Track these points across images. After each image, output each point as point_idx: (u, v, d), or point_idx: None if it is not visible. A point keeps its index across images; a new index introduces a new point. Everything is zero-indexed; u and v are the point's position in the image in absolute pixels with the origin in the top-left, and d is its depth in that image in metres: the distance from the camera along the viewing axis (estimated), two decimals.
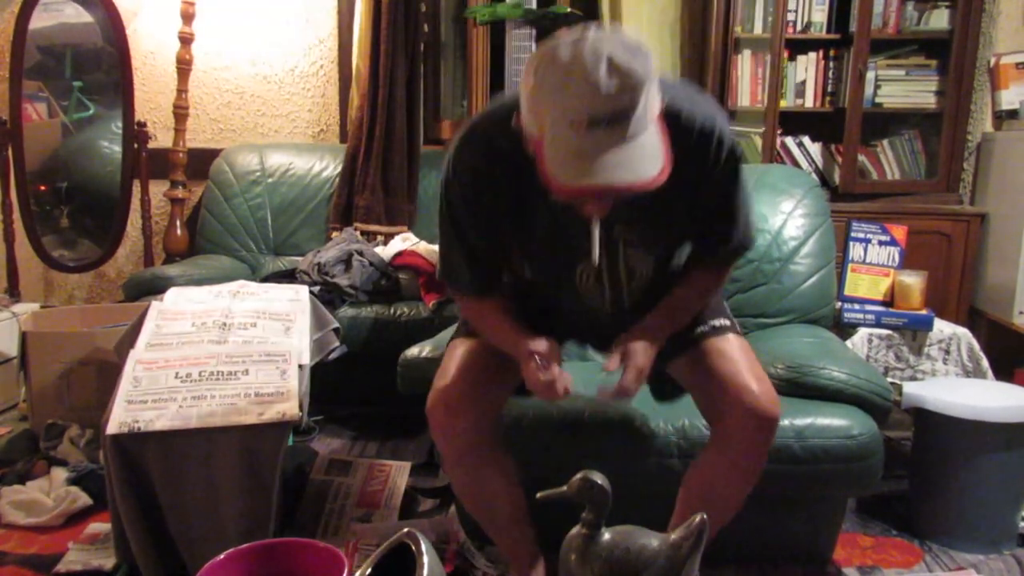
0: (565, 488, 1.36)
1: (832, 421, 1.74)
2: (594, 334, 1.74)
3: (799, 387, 1.81)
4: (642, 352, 1.46)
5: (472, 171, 1.41)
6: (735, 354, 1.55)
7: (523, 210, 1.43)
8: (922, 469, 2.13)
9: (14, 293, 3.25)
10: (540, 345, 1.45)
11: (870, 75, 3.12)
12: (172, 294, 2.17)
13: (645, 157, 1.17)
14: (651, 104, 1.18)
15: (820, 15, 3.16)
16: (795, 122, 3.25)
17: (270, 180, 3.26)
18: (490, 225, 1.46)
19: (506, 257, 1.54)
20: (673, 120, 1.28)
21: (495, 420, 1.61)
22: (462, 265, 1.53)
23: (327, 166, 3.28)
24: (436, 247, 2.92)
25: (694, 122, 1.33)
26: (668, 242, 1.53)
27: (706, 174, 1.38)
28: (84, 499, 2.13)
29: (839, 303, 2.46)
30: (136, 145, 3.38)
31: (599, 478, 1.35)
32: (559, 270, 1.52)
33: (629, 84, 1.12)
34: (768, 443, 1.51)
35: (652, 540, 1.35)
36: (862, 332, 2.40)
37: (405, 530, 1.35)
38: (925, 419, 2.09)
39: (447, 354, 1.64)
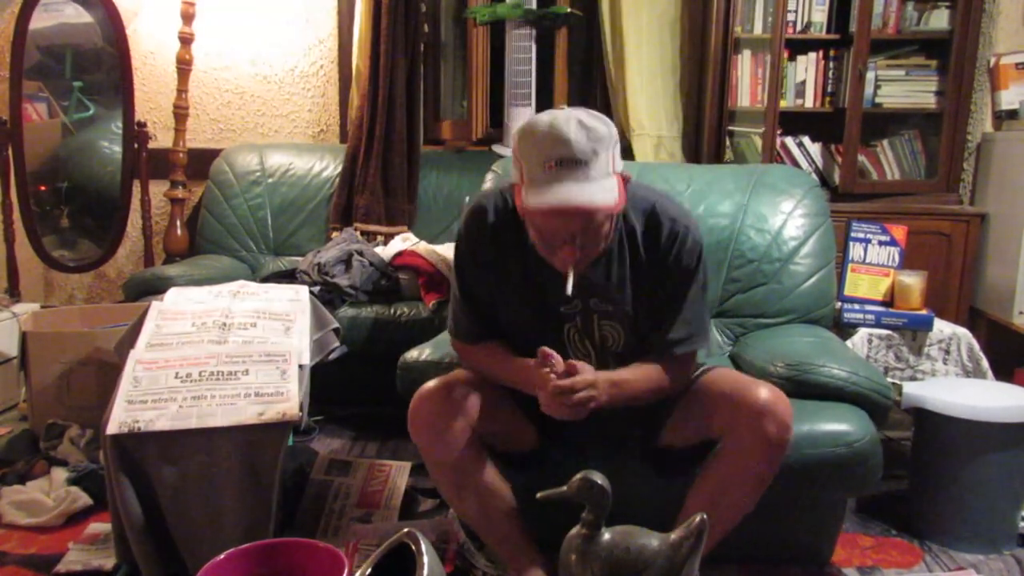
0: (565, 488, 1.37)
1: (829, 427, 1.72)
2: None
3: (799, 385, 1.81)
4: (591, 372, 1.50)
5: (478, 234, 1.62)
6: (735, 373, 1.66)
7: (519, 272, 1.61)
8: (922, 469, 2.13)
9: (14, 293, 3.25)
10: (547, 348, 1.49)
11: (870, 75, 3.12)
12: (172, 294, 2.17)
13: (602, 192, 1.41)
14: (613, 160, 1.44)
15: (820, 15, 3.16)
16: (795, 122, 3.25)
17: (270, 180, 3.26)
18: (492, 282, 1.63)
19: (507, 310, 1.65)
20: (648, 209, 1.58)
21: (477, 431, 1.61)
22: (468, 317, 1.67)
23: (327, 166, 3.28)
24: (436, 247, 2.94)
25: (667, 213, 1.59)
26: (636, 319, 1.63)
27: (670, 264, 1.58)
28: (84, 499, 2.13)
29: (839, 303, 2.46)
30: (136, 145, 3.38)
31: (599, 478, 1.35)
32: (549, 327, 1.64)
33: (592, 136, 1.40)
34: (782, 446, 1.53)
35: (652, 540, 1.35)
36: (862, 332, 2.40)
37: (405, 530, 1.35)
38: (925, 419, 2.09)
39: None
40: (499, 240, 1.61)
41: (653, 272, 1.59)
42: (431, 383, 1.61)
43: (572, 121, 1.41)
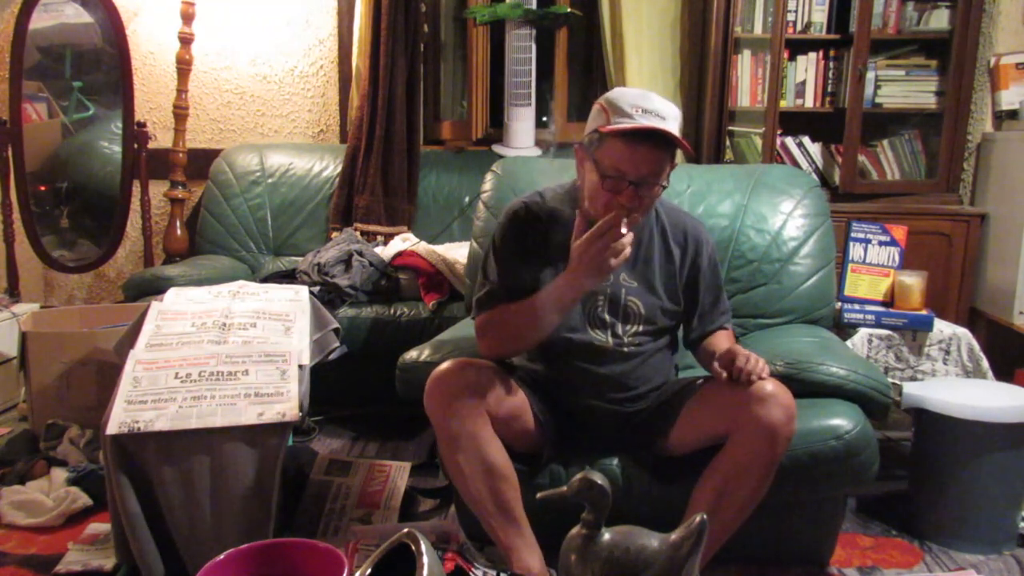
0: (565, 488, 1.37)
1: (820, 422, 1.73)
2: (598, 390, 1.78)
3: (798, 383, 1.80)
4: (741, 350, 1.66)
5: (518, 228, 1.77)
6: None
7: (556, 255, 1.71)
8: (922, 469, 2.13)
9: (14, 293, 3.25)
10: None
11: (870, 75, 3.12)
12: (172, 294, 2.17)
13: (675, 131, 1.60)
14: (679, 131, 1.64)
15: (820, 15, 3.16)
16: (795, 122, 3.25)
17: (270, 180, 3.26)
18: (532, 266, 1.74)
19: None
20: (677, 213, 1.88)
21: (488, 412, 1.64)
22: (500, 285, 1.75)
23: (327, 166, 3.28)
24: (436, 247, 2.94)
25: (692, 220, 1.89)
26: (655, 297, 1.79)
27: (703, 264, 1.83)
28: (84, 499, 2.13)
29: (839, 303, 2.46)
30: (136, 145, 3.38)
31: (599, 478, 1.35)
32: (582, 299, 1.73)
33: (668, 104, 1.63)
34: (787, 433, 1.57)
35: (652, 540, 1.35)
36: (862, 332, 2.40)
37: (405, 530, 1.35)
38: (925, 419, 2.09)
39: None
40: (538, 229, 1.75)
41: (684, 269, 1.82)
42: (447, 362, 1.66)
43: (654, 93, 1.66)
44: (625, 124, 1.56)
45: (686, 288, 1.83)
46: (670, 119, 1.59)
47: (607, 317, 1.76)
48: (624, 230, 1.50)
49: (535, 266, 1.73)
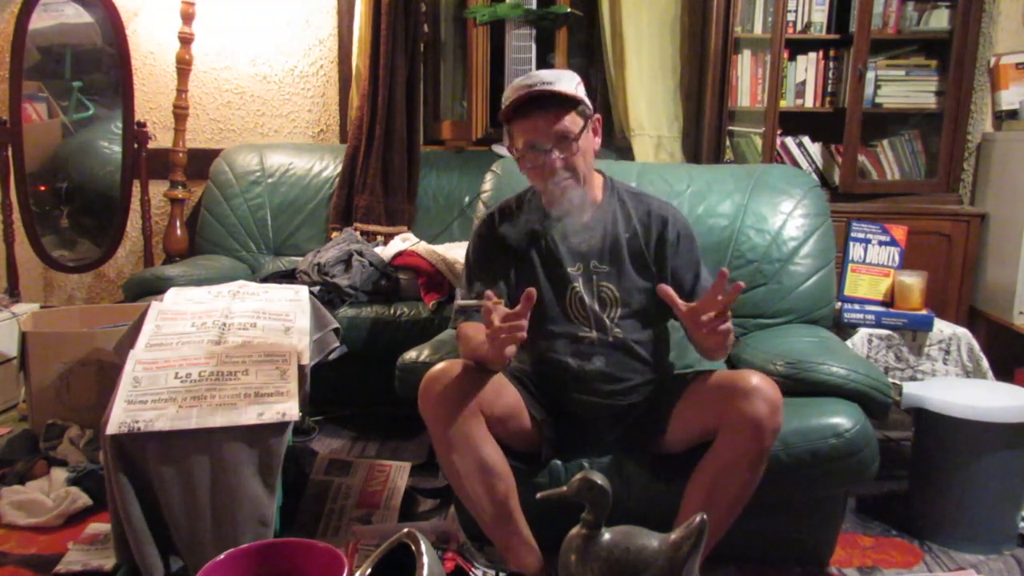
0: (565, 488, 1.37)
1: (820, 420, 1.73)
2: (587, 384, 1.78)
3: (798, 383, 1.81)
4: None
5: (490, 234, 1.85)
6: (727, 370, 1.75)
7: (527, 254, 1.81)
8: (922, 469, 2.13)
9: (14, 293, 3.25)
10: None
11: (870, 75, 3.12)
12: (172, 294, 2.17)
13: (564, 87, 1.67)
14: (577, 90, 1.70)
15: (820, 15, 3.16)
16: (795, 122, 3.25)
17: (270, 180, 3.26)
18: (508, 266, 1.82)
19: (524, 281, 1.79)
20: (638, 193, 1.89)
21: (483, 411, 1.64)
22: (471, 295, 1.79)
23: (327, 166, 3.28)
24: (436, 247, 2.94)
25: (654, 198, 1.89)
26: (627, 278, 1.80)
27: (662, 247, 1.80)
28: (84, 499, 2.13)
29: (839, 303, 2.46)
30: (136, 145, 3.38)
31: (599, 478, 1.35)
32: (556, 290, 1.79)
33: (556, 74, 1.71)
34: (772, 426, 1.57)
35: (652, 540, 1.35)
36: (862, 332, 2.40)
37: (405, 530, 1.35)
38: (925, 419, 2.09)
39: None
40: (512, 229, 1.83)
41: (651, 243, 1.81)
42: (441, 363, 1.67)
43: (547, 70, 1.75)
44: (511, 96, 1.69)
45: (657, 263, 1.80)
46: (557, 82, 1.67)
47: (587, 300, 1.77)
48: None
49: (504, 273, 1.81)
